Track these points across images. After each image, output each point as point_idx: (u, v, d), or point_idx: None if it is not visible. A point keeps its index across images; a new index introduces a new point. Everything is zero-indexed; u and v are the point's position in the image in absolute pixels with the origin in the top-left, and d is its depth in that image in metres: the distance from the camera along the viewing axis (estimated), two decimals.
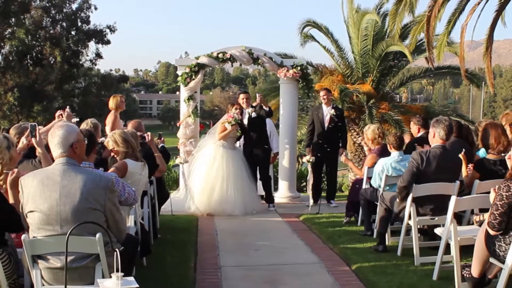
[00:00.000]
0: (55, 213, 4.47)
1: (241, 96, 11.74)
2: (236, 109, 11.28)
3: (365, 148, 10.77)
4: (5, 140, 5.49)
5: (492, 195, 5.53)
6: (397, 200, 7.62)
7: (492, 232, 5.33)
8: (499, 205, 5.20)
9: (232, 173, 11.11)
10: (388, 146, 8.73)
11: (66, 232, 4.05)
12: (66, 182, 4.51)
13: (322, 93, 11.85)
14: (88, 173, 4.71)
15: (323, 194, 12.33)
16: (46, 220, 4.49)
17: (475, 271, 5.82)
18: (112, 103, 10.40)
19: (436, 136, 7.35)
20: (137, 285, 3.66)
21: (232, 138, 11.33)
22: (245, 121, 11.57)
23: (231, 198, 11.03)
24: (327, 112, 11.61)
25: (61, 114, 8.81)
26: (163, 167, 8.70)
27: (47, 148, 5.89)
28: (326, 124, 11.60)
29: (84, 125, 8.18)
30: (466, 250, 6.23)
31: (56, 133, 4.67)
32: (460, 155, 7.42)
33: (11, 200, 5.00)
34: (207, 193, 11.11)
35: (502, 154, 7.05)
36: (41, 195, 4.49)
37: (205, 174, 11.20)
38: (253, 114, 11.47)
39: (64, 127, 4.77)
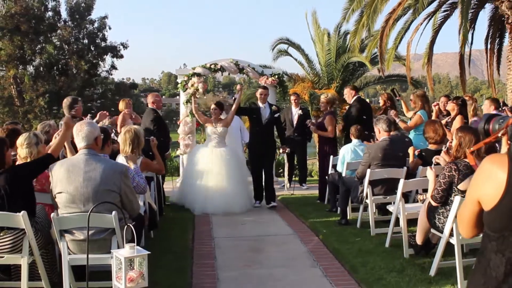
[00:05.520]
0: (79, 194, 4.50)
1: (260, 91, 9.82)
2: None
3: None
4: (34, 137, 5.46)
5: (429, 172, 5.61)
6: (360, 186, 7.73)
7: (434, 204, 5.41)
8: (442, 182, 5.28)
9: (222, 172, 9.32)
10: (350, 135, 8.89)
11: (87, 210, 4.16)
12: (88, 168, 4.56)
13: (292, 97, 11.84)
14: (106, 161, 4.78)
15: (296, 178, 12.31)
16: (71, 200, 4.51)
17: (419, 239, 5.92)
18: (121, 105, 10.34)
19: (382, 131, 7.57)
20: (149, 252, 3.68)
21: (219, 137, 9.57)
22: (264, 117, 9.61)
23: (226, 196, 9.18)
24: (295, 112, 11.60)
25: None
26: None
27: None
28: (294, 122, 11.60)
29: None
30: (412, 223, 6.27)
31: (83, 129, 4.76)
32: (410, 150, 7.57)
33: (63, 139, 5.48)
34: (201, 194, 9.27)
35: (440, 145, 7.16)
36: (67, 179, 4.52)
37: (196, 177, 9.46)
38: (277, 115, 9.75)
39: (89, 124, 4.91)
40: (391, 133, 7.75)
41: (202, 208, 9.15)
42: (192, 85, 10.66)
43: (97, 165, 4.60)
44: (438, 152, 6.75)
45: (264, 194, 9.84)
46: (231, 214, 8.95)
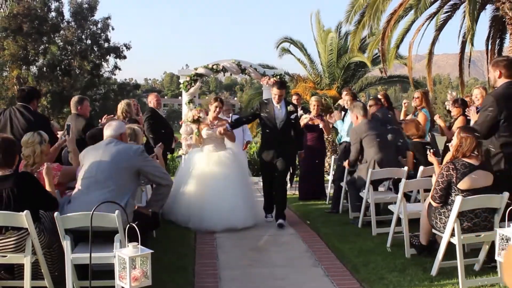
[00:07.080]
0: (96, 164, 5.06)
1: (274, 90, 8.06)
2: (216, 107, 8.36)
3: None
4: (38, 136, 5.53)
5: (434, 178, 5.63)
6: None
7: (434, 204, 5.41)
8: (440, 182, 5.29)
9: (221, 180, 7.93)
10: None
11: (100, 178, 4.94)
12: (108, 147, 5.20)
13: (294, 97, 11.82)
14: (125, 144, 5.41)
15: (297, 178, 12.30)
16: (89, 170, 5.05)
17: (423, 240, 5.92)
18: None
19: (359, 116, 7.98)
20: (152, 251, 3.68)
21: (216, 138, 8.30)
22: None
23: (226, 209, 7.73)
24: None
25: None
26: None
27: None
28: None
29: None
30: (413, 223, 6.26)
31: (112, 124, 5.48)
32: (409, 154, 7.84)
33: (47, 186, 5.17)
34: (196, 208, 7.84)
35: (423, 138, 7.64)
36: (89, 156, 5.20)
37: (190, 188, 8.06)
38: (293, 116, 8.14)
39: (118, 122, 5.68)
40: None
41: (198, 223, 7.76)
42: (194, 120, 8.53)
43: (116, 145, 5.22)
44: (425, 143, 7.59)
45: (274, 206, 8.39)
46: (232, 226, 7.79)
